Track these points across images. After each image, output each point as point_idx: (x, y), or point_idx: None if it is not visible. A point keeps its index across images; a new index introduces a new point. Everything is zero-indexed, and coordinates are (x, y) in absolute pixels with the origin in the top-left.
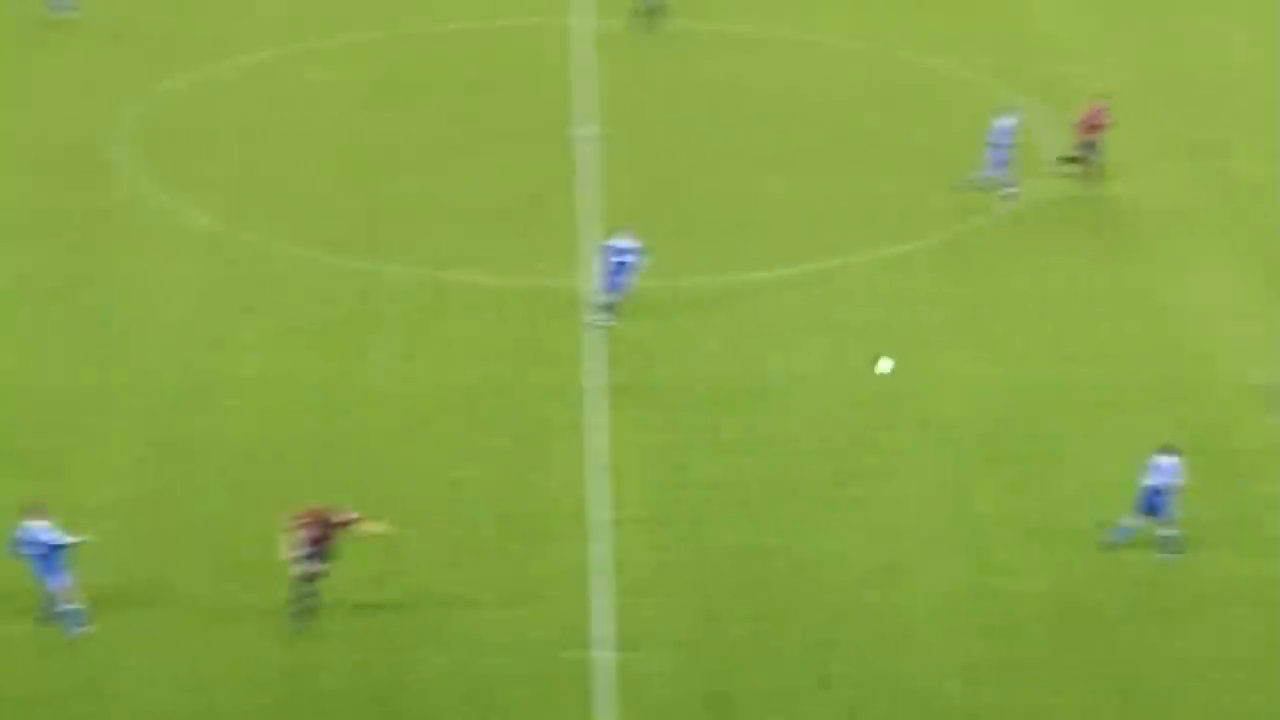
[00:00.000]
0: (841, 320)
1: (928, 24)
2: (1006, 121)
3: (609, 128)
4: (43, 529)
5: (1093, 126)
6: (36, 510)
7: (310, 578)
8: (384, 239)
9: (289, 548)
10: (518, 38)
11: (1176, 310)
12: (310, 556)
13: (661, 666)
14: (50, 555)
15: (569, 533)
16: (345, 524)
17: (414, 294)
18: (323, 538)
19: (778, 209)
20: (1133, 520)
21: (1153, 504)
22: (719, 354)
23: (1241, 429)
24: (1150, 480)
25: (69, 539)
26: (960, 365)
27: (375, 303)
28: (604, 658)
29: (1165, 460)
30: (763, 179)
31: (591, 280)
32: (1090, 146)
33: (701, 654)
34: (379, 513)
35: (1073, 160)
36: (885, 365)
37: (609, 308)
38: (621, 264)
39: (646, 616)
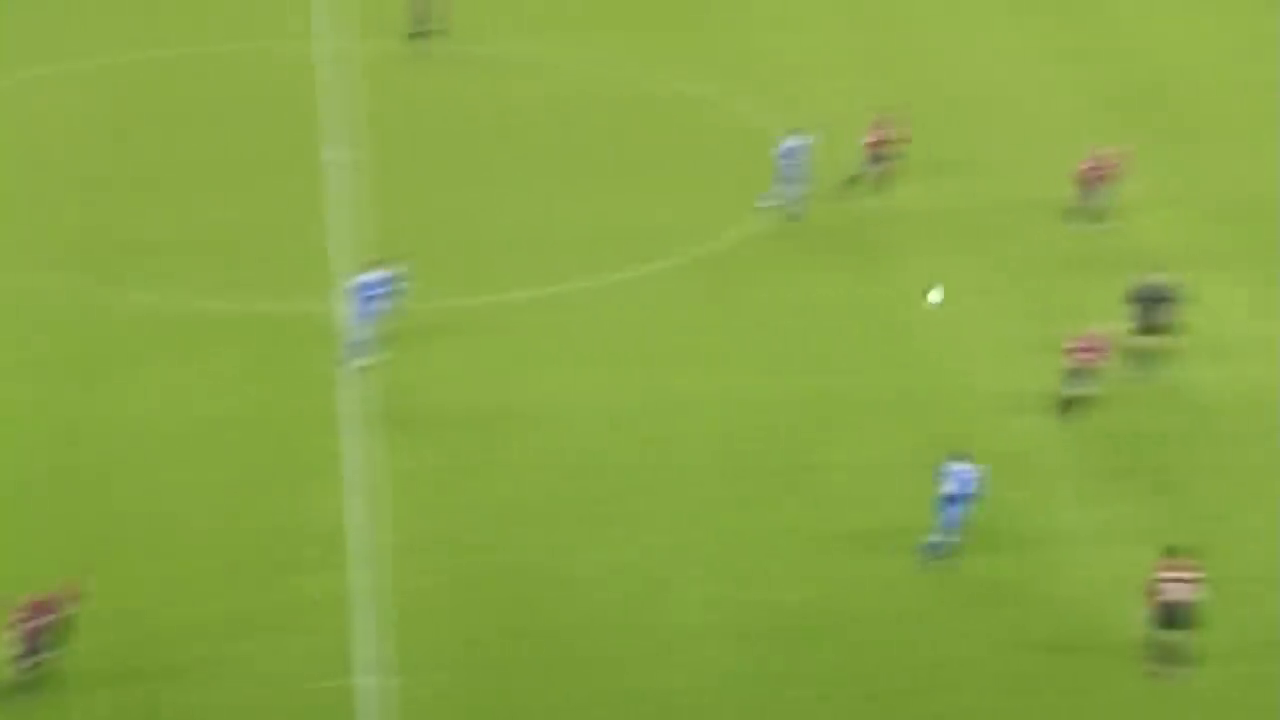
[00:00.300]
0: (601, 339)
1: (679, 46)
2: (795, 142)
3: (365, 151)
4: None
5: (881, 142)
6: None
7: (38, 666)
8: (135, 267)
9: (9, 645)
10: (272, 61)
11: (928, 322)
12: (39, 649)
13: (431, 690)
14: None
15: (335, 560)
16: (71, 599)
17: (167, 323)
18: (52, 624)
19: (535, 230)
20: (939, 530)
21: (949, 512)
22: (481, 377)
23: (993, 435)
24: (946, 488)
25: None
26: (716, 380)
27: (126, 333)
28: (373, 683)
29: (959, 467)
30: (521, 201)
31: (348, 316)
32: (879, 161)
33: (470, 676)
34: (138, 548)
35: (859, 177)
36: (936, 295)
37: (367, 343)
38: (377, 296)
39: (415, 641)
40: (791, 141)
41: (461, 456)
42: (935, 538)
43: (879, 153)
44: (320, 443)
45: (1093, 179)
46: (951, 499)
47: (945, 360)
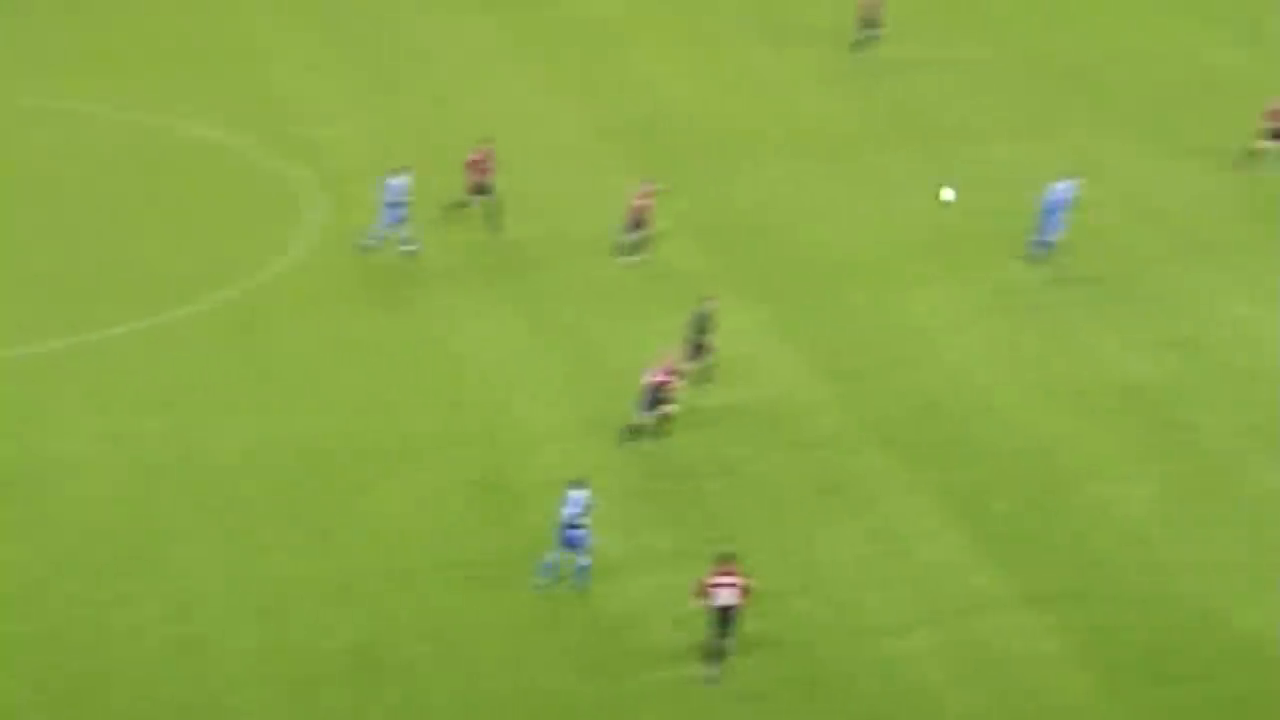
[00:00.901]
0: (121, 392)
1: (195, 90)
2: (399, 180)
3: None
4: None
5: (481, 170)
6: None
7: None
8: None
9: None
10: None
11: (462, 358)
12: None
13: None
14: None
15: None
16: None
17: None
18: None
19: (46, 282)
20: (554, 555)
21: (569, 538)
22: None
23: (526, 467)
24: (565, 514)
25: None
26: (249, 425)
27: None
28: None
29: (576, 494)
30: (28, 252)
31: None
32: (480, 190)
33: None
34: None
35: (461, 205)
36: (948, 194)
37: None
38: None
39: None
40: (395, 179)
41: None
42: (549, 559)
43: (483, 183)
44: None
45: (639, 212)
46: (570, 525)
47: (496, 394)
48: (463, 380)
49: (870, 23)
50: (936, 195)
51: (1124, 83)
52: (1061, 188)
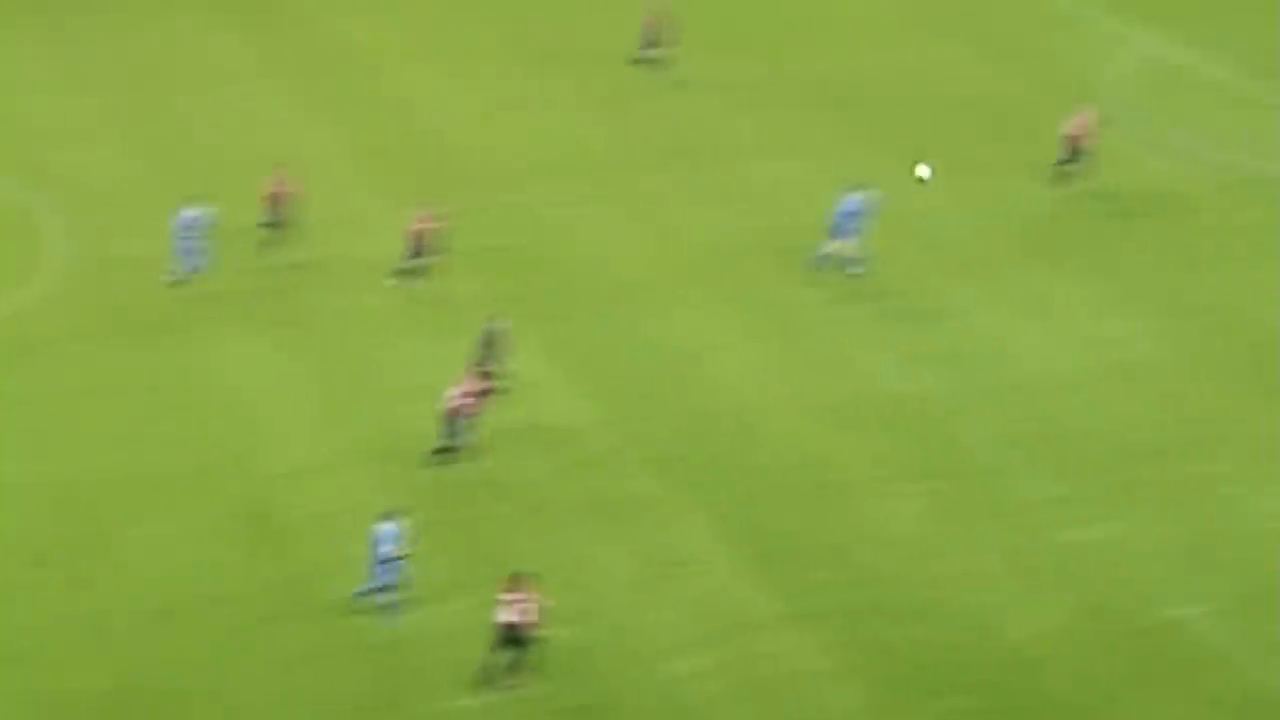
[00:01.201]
0: None
1: None
2: (195, 212)
3: None
4: None
5: (280, 194)
6: None
7: None
8: None
9: None
10: None
11: (223, 390)
12: None
13: None
14: None
15: None
16: None
17: None
18: None
19: None
20: (375, 583)
21: (387, 568)
22: None
23: (294, 499)
24: (379, 548)
25: None
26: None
27: None
28: None
29: (387, 527)
30: None
31: None
32: (279, 214)
33: None
34: None
35: (271, 225)
36: (924, 171)
37: None
38: None
39: None
40: (189, 211)
41: None
42: (368, 586)
43: (280, 208)
44: None
45: (421, 237)
46: (383, 559)
47: (260, 424)
48: (224, 412)
49: (654, 42)
50: (912, 172)
51: (890, 102)
52: (853, 200)
